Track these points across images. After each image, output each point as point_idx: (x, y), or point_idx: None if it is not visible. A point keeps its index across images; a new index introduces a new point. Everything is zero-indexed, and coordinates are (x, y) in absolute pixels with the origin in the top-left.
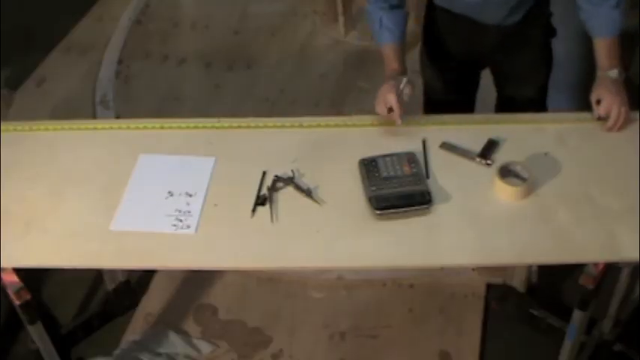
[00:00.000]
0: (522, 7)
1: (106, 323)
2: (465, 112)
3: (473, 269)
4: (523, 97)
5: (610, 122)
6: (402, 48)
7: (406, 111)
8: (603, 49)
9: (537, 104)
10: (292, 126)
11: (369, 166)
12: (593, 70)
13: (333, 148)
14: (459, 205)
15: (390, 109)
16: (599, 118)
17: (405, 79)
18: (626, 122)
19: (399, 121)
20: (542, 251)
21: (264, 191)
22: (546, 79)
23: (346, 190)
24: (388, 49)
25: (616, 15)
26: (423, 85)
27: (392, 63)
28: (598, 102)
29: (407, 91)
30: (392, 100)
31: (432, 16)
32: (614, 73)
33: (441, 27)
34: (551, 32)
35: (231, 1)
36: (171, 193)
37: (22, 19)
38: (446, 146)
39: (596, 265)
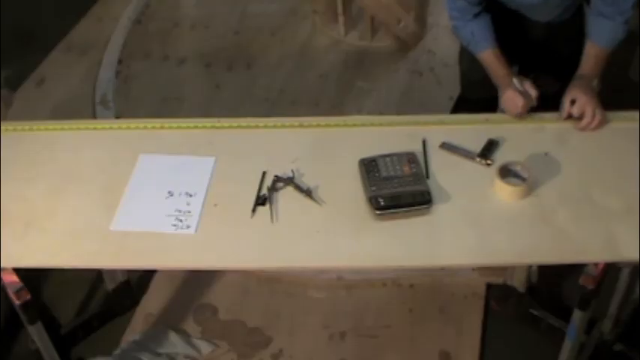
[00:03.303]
0: (574, 4)
1: (106, 323)
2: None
3: (473, 269)
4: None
5: (584, 122)
6: (499, 49)
7: None
8: (594, 55)
9: (555, 101)
10: (292, 126)
11: (369, 166)
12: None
13: (333, 148)
14: (459, 205)
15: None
16: (568, 117)
17: (516, 80)
18: (601, 124)
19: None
20: (542, 251)
21: (264, 191)
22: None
23: (346, 190)
24: (489, 56)
25: (621, 30)
26: (459, 77)
27: (499, 69)
28: (572, 102)
29: (528, 86)
30: (521, 102)
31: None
32: (593, 82)
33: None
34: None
35: (231, 1)
36: (171, 193)
37: (22, 19)
38: (446, 146)
39: (596, 265)
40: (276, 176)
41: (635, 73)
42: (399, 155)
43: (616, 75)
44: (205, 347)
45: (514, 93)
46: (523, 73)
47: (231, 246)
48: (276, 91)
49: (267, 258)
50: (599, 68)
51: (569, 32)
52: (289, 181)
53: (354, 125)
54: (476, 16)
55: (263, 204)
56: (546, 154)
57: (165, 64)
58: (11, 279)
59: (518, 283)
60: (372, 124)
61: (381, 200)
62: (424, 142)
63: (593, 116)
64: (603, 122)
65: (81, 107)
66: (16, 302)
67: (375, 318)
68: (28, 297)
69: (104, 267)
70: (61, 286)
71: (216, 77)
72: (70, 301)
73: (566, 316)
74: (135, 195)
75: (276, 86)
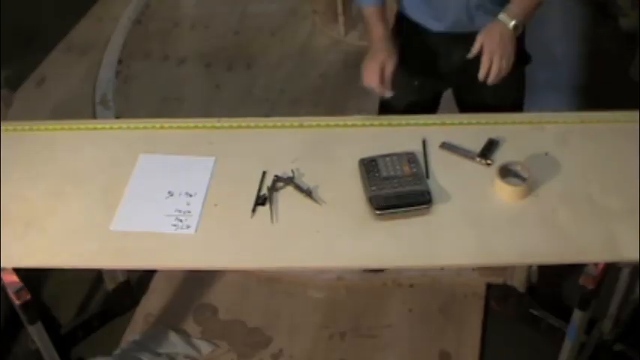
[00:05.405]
0: (485, 11)
1: (106, 323)
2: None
3: (473, 269)
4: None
5: (480, 73)
6: (383, 10)
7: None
8: None
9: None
10: (292, 126)
11: (369, 166)
12: (592, 70)
13: (333, 148)
14: (459, 205)
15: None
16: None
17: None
18: (501, 74)
19: (388, 93)
20: (542, 251)
21: (264, 191)
22: (515, 108)
23: (346, 190)
24: (370, 12)
25: None
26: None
27: (376, 27)
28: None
29: (389, 68)
30: (374, 77)
31: (398, 31)
32: (512, 23)
33: (405, 42)
34: (525, 59)
35: (231, 1)
36: (171, 193)
37: (22, 19)
38: (446, 146)
39: (596, 265)
40: (276, 176)
41: (635, 73)
42: (399, 155)
43: (616, 75)
44: (205, 347)
45: (374, 62)
46: (462, 108)
47: (231, 246)
48: (276, 91)
49: (267, 258)
50: (524, 10)
51: None
52: (289, 181)
53: (354, 125)
54: None
55: (263, 204)
56: (546, 154)
57: (165, 64)
58: (11, 279)
59: (518, 283)
60: (372, 124)
61: (381, 200)
62: (424, 142)
63: (492, 67)
64: (502, 73)
65: (81, 107)
66: (16, 302)
67: (375, 318)
68: (28, 297)
69: (104, 267)
70: (61, 286)
71: (216, 77)
72: (70, 301)
73: (566, 316)
74: (135, 195)
75: (276, 86)
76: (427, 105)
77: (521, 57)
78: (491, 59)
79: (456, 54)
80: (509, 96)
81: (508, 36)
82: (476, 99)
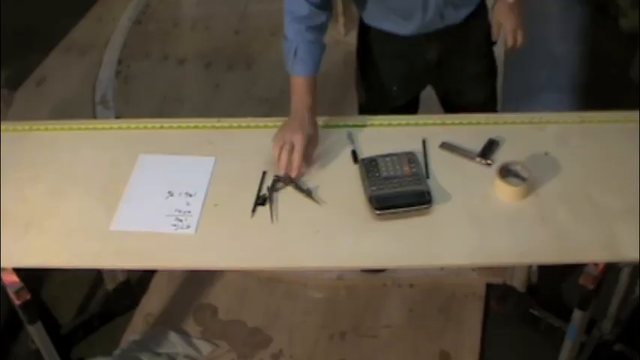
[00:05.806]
0: (454, 6)
1: (106, 323)
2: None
3: (473, 269)
4: (470, 110)
5: (508, 47)
6: (314, 79)
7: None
8: None
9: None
10: None
11: (369, 166)
12: (592, 70)
13: (333, 148)
14: (459, 205)
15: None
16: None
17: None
18: (524, 42)
19: (294, 173)
20: (542, 251)
21: (264, 191)
22: (493, 91)
23: (346, 190)
24: (300, 81)
25: None
26: (358, 106)
27: (303, 96)
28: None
29: (315, 143)
30: (283, 155)
31: (367, 42)
32: None
33: (376, 52)
34: (493, 40)
35: (231, 1)
36: (171, 193)
37: (22, 19)
38: (446, 146)
39: (596, 265)
40: (276, 176)
41: (635, 73)
42: (399, 155)
43: (616, 75)
44: (205, 347)
45: (300, 135)
46: (441, 97)
47: (231, 246)
48: (276, 91)
49: (267, 258)
50: None
51: (463, 50)
52: (289, 181)
53: (354, 125)
54: (311, 28)
55: (263, 204)
56: (546, 154)
57: (165, 64)
58: (11, 279)
59: (518, 283)
60: (372, 124)
61: (381, 200)
62: (424, 142)
63: (516, 39)
64: (524, 43)
65: (81, 107)
66: (16, 302)
67: (375, 318)
68: (28, 297)
69: (104, 267)
70: (61, 286)
71: (216, 77)
72: (70, 301)
73: (566, 316)
74: (135, 195)
75: (276, 86)
76: (408, 107)
77: (489, 39)
78: (515, 35)
79: (429, 53)
80: (485, 76)
81: (518, 8)
82: (456, 89)
